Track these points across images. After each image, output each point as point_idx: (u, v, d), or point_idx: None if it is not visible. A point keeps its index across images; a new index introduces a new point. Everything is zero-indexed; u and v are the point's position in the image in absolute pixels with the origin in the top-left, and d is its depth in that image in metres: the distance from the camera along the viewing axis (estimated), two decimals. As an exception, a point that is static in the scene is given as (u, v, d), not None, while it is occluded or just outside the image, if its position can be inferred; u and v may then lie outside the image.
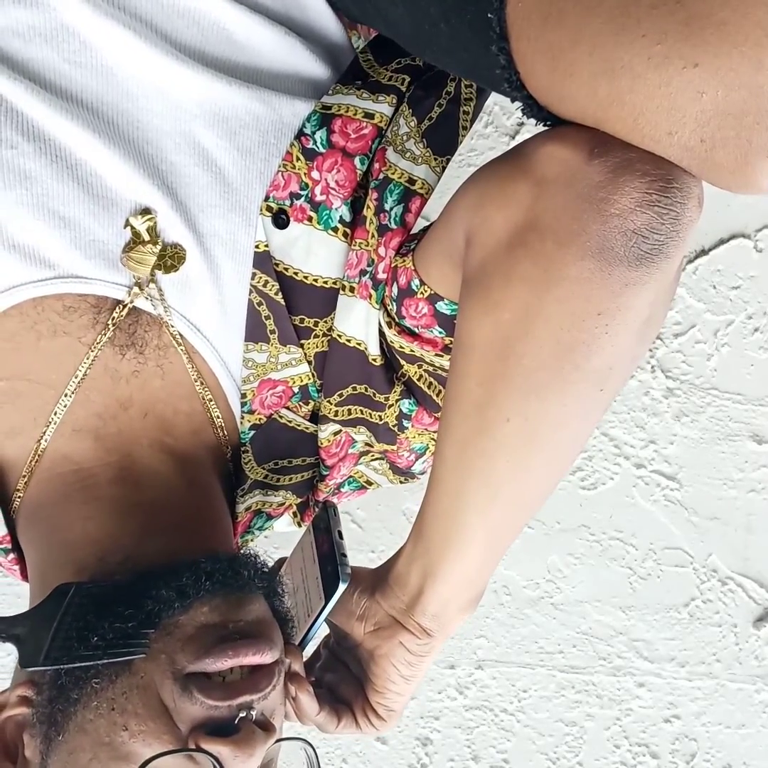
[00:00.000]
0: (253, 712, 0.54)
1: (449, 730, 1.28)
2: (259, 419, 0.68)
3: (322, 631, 0.65)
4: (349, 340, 0.66)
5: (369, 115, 0.63)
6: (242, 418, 0.67)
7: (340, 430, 0.70)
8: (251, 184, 0.63)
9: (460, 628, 1.27)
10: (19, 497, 0.63)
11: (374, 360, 0.66)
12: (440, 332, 0.63)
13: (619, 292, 0.47)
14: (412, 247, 0.62)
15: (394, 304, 0.63)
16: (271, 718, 0.56)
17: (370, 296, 0.64)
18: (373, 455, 0.74)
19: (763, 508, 1.28)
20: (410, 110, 0.63)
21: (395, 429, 0.69)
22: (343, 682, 0.66)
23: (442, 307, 0.61)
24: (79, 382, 0.61)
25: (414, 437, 0.70)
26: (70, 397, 0.61)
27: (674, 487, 1.27)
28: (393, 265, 0.63)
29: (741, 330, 1.24)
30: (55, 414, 0.61)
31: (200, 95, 0.61)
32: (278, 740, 0.57)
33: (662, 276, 0.48)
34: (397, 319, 0.64)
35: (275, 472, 0.71)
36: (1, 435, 0.63)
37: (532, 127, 1.17)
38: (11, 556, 0.66)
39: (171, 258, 0.61)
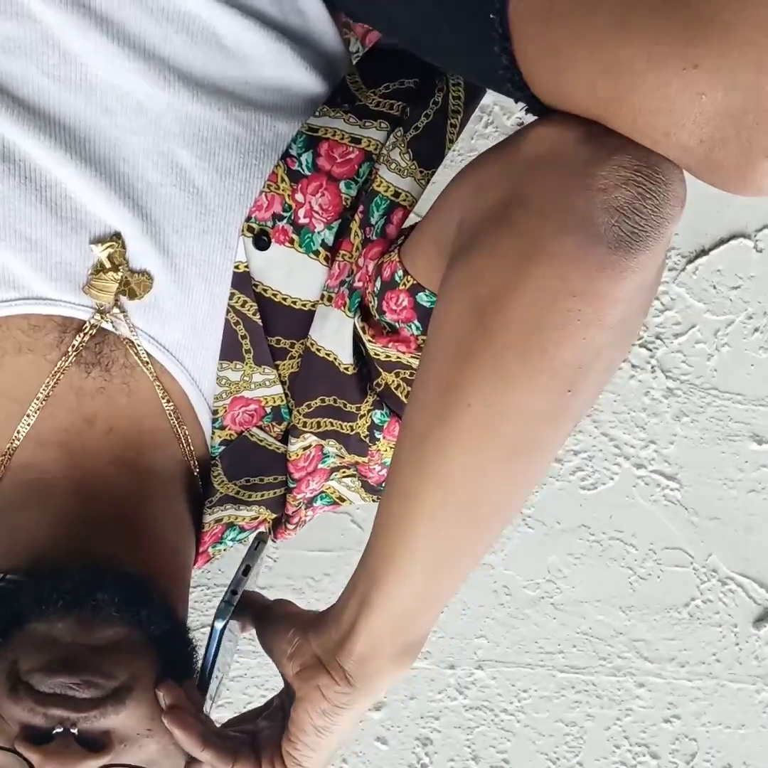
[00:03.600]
0: (75, 730, 0.55)
1: (449, 730, 1.28)
2: (230, 435, 0.67)
3: None
4: (319, 350, 0.65)
5: (356, 140, 0.63)
6: (213, 433, 0.67)
7: (310, 445, 0.69)
8: (230, 205, 0.62)
9: (460, 627, 1.27)
10: None
11: (346, 369, 0.65)
12: (417, 328, 0.61)
13: (595, 276, 0.46)
14: (399, 242, 0.62)
15: (376, 299, 0.62)
16: (114, 741, 0.56)
17: (345, 305, 0.63)
18: (345, 471, 0.73)
19: (763, 508, 1.28)
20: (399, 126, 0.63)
21: (366, 440, 0.68)
22: (269, 729, 0.63)
23: (423, 298, 0.60)
24: (44, 399, 0.61)
25: (385, 451, 0.68)
26: (35, 413, 0.61)
27: (674, 487, 1.27)
28: (378, 262, 0.62)
29: (741, 330, 1.24)
30: (20, 429, 0.61)
31: (181, 114, 0.60)
32: (118, 765, 0.57)
33: (639, 269, 0.46)
34: (377, 316, 0.63)
35: (247, 489, 0.70)
36: None
37: (532, 127, 1.17)
38: None
39: (137, 285, 0.61)
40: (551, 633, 1.28)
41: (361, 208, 0.63)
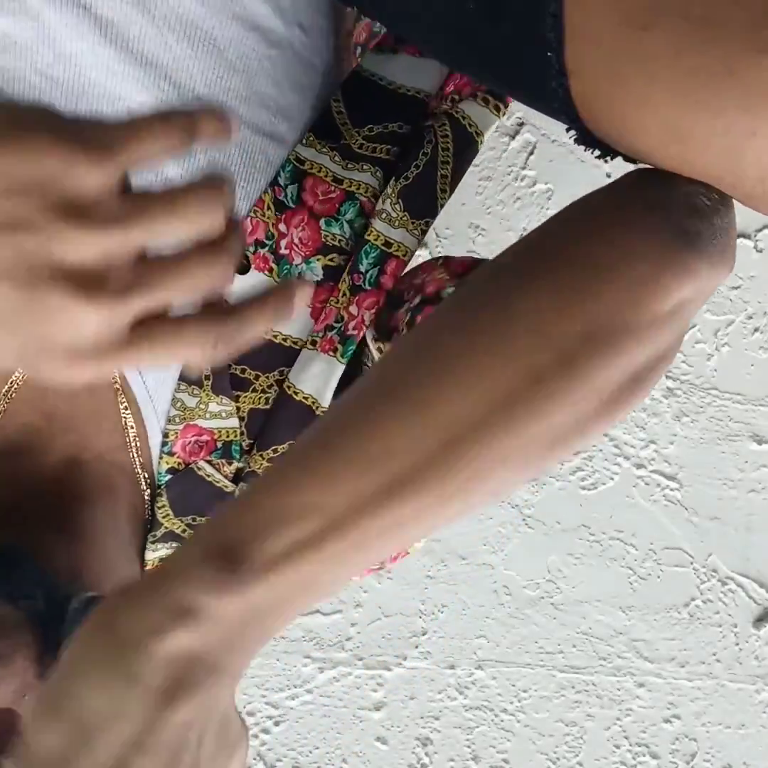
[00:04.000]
0: None
1: (449, 730, 1.28)
2: (178, 464, 0.64)
3: None
4: (296, 394, 0.64)
5: (338, 181, 0.63)
6: (161, 457, 0.64)
7: None
8: None
9: (461, 627, 1.27)
10: None
11: (316, 406, 0.64)
12: None
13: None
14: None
15: (410, 314, 0.62)
16: None
17: (336, 350, 0.63)
18: None
19: (763, 508, 1.28)
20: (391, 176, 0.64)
21: None
22: None
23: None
24: (9, 393, 0.59)
25: None
26: (2, 406, 0.59)
27: (674, 487, 1.27)
28: (428, 278, 0.62)
29: (741, 330, 1.24)
30: None
31: None
32: None
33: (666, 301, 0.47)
34: (406, 330, 0.62)
35: (193, 528, 0.66)
36: None
37: (532, 127, 1.17)
38: None
39: None
40: (551, 633, 1.28)
41: (352, 257, 0.63)
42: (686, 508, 1.27)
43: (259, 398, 0.64)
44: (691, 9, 0.47)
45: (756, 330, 1.24)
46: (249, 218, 0.62)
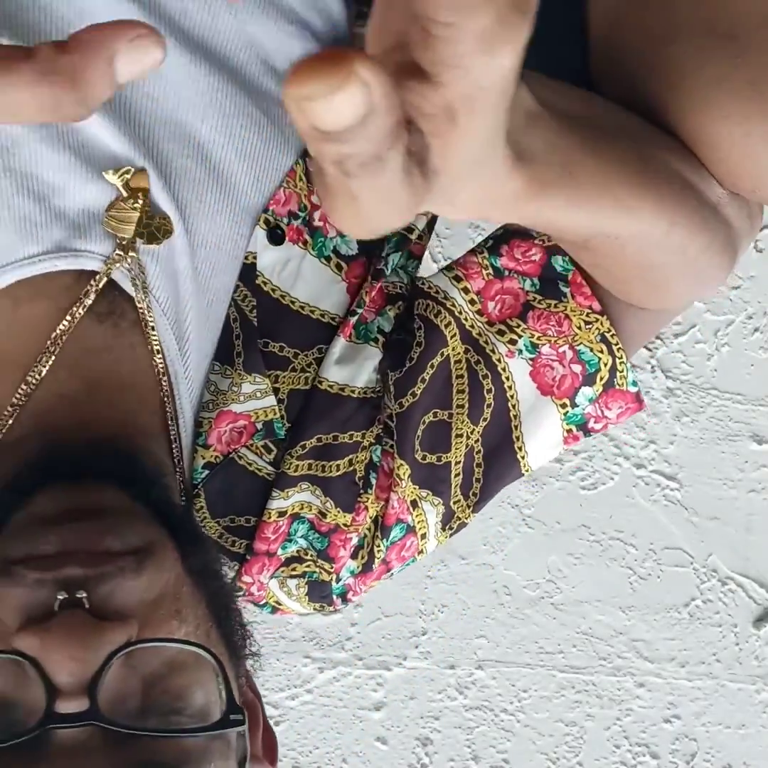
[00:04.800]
0: (82, 594, 0.44)
1: (449, 730, 1.28)
2: (215, 457, 0.60)
3: None
4: (322, 383, 0.61)
5: None
6: (195, 452, 0.59)
7: (287, 512, 0.61)
8: (245, 190, 0.59)
9: (461, 627, 1.27)
10: None
11: (354, 393, 0.61)
12: (532, 285, 0.59)
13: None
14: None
15: (493, 240, 0.61)
16: (126, 610, 0.45)
17: (351, 335, 0.61)
18: (295, 567, 0.63)
19: (763, 508, 1.28)
20: None
21: (360, 484, 0.61)
22: None
23: (558, 261, 0.59)
24: (51, 354, 0.54)
25: (368, 517, 0.61)
26: (39, 375, 0.54)
27: (674, 487, 1.27)
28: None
29: (741, 330, 1.24)
30: (18, 396, 0.54)
31: (202, 86, 0.57)
32: (149, 641, 0.45)
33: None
34: (484, 254, 0.61)
35: (230, 531, 0.61)
36: None
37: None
38: None
39: (156, 229, 0.56)
40: (551, 633, 1.28)
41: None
42: (686, 508, 1.27)
43: (298, 378, 0.61)
44: (716, 25, 0.50)
45: (756, 330, 1.24)
46: (282, 189, 0.60)
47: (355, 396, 0.61)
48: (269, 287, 0.60)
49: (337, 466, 0.61)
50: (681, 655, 1.30)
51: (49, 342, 0.54)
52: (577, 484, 1.25)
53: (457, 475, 0.62)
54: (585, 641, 1.28)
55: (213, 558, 0.55)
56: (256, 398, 0.60)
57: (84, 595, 0.44)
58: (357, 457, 0.61)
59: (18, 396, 0.53)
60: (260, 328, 0.60)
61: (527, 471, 0.62)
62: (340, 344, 0.61)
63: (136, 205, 0.55)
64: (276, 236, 0.60)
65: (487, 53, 0.28)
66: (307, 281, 0.61)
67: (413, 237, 0.63)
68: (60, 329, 0.54)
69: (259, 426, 0.60)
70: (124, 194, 0.56)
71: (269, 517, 0.60)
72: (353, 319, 0.61)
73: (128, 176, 0.56)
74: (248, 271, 0.60)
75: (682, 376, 1.24)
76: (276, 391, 0.60)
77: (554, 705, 1.29)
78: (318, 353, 0.61)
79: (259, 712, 0.57)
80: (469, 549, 1.25)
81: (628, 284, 0.56)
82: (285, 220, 0.61)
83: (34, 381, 0.53)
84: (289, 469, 0.60)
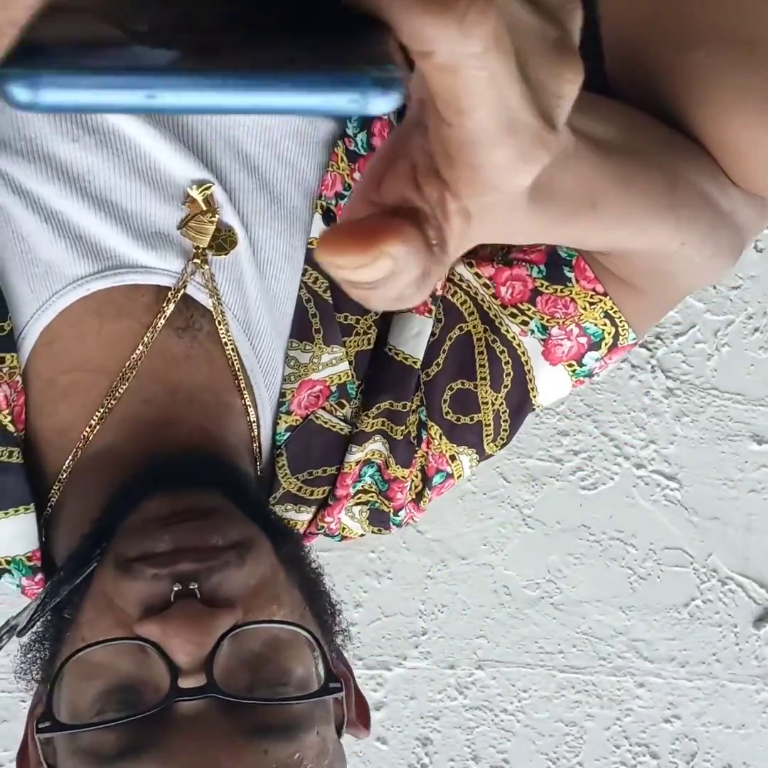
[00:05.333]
0: (194, 585, 0.50)
1: (449, 730, 1.28)
2: (295, 421, 0.67)
3: None
4: (397, 354, 0.67)
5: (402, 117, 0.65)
6: (279, 418, 0.66)
7: (360, 460, 0.69)
8: (289, 193, 0.64)
9: (461, 627, 1.27)
10: (53, 501, 0.62)
11: (414, 363, 0.67)
12: (539, 272, 0.64)
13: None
14: None
15: (507, 250, 0.65)
16: (232, 597, 0.51)
17: (431, 311, 0.66)
18: (359, 497, 0.71)
19: (763, 508, 1.28)
20: None
21: (414, 442, 0.68)
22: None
23: (562, 249, 0.63)
24: (132, 367, 0.60)
25: (420, 458, 0.69)
26: (125, 384, 0.60)
27: (674, 487, 1.27)
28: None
29: (741, 330, 1.24)
30: (105, 404, 0.60)
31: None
32: (253, 623, 0.51)
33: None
34: (501, 255, 0.65)
35: (308, 484, 0.69)
36: (53, 434, 0.61)
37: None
38: (39, 576, 0.64)
39: (223, 240, 0.62)
40: (551, 633, 1.28)
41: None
42: (686, 508, 1.27)
43: (362, 340, 0.67)
44: (735, 30, 0.51)
45: (756, 330, 1.24)
46: (328, 173, 0.64)
47: (415, 367, 0.67)
48: None
49: (401, 430, 0.68)
50: (681, 655, 1.30)
51: (134, 355, 0.60)
52: (577, 484, 1.25)
53: (487, 433, 0.70)
54: (585, 641, 1.28)
55: (301, 548, 0.62)
56: (331, 366, 0.66)
57: (196, 586, 0.50)
58: (410, 419, 0.68)
59: (106, 400, 0.60)
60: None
61: (539, 406, 0.70)
62: (416, 320, 0.66)
63: (213, 218, 0.61)
64: (329, 218, 0.65)
65: (504, 178, 0.28)
66: None
67: None
68: (143, 342, 0.60)
69: (334, 389, 0.67)
70: (204, 208, 0.61)
71: (349, 469, 0.68)
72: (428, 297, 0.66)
73: (209, 192, 0.61)
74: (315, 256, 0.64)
75: (682, 376, 1.24)
76: (346, 354, 0.67)
77: (554, 705, 1.29)
78: (375, 315, 0.67)
79: (350, 682, 0.64)
80: (469, 549, 1.25)
81: (635, 281, 0.60)
82: (334, 202, 0.65)
83: (121, 388, 0.60)
84: (366, 427, 0.67)
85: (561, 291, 0.64)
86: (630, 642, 1.29)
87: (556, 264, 0.64)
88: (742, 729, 1.32)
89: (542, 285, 0.65)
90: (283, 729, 0.50)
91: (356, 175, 0.64)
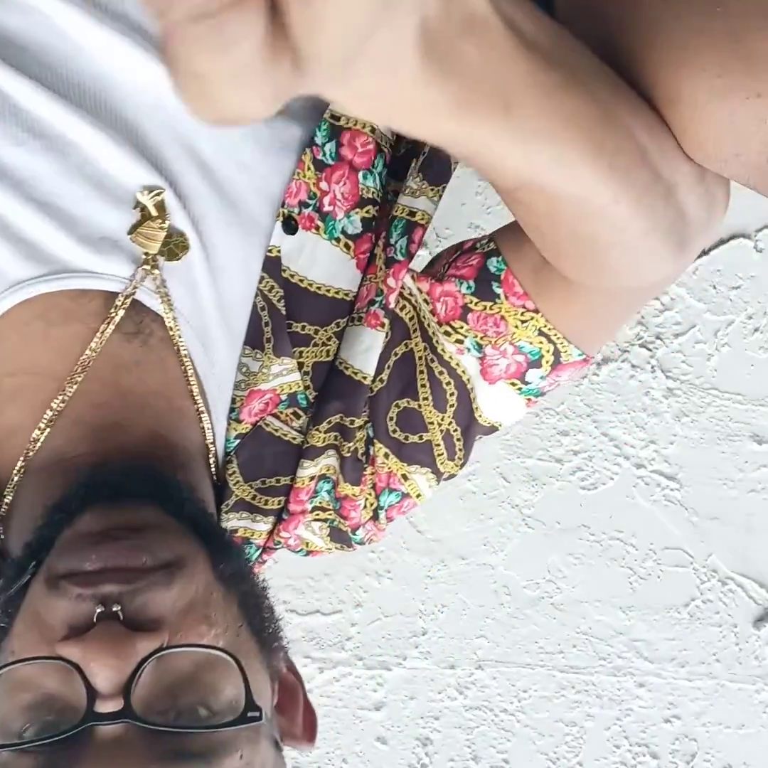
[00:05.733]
0: (117, 607, 0.50)
1: (449, 730, 1.28)
2: (246, 429, 0.66)
3: None
4: (347, 369, 0.66)
5: (373, 129, 0.64)
6: (229, 425, 0.66)
7: (314, 477, 0.68)
8: (247, 199, 0.63)
9: (461, 627, 1.27)
10: (8, 500, 0.61)
11: (364, 378, 0.66)
12: (468, 288, 0.63)
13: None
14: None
15: (448, 267, 0.65)
16: (157, 619, 0.51)
17: (383, 325, 0.65)
18: (318, 514, 0.71)
19: (763, 508, 1.28)
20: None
21: (362, 459, 0.67)
22: None
23: (493, 263, 0.63)
24: (81, 372, 0.60)
25: (370, 475, 0.68)
26: (73, 387, 0.60)
27: (674, 487, 1.27)
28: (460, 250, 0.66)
29: (741, 330, 1.24)
30: (53, 407, 0.60)
31: None
32: (178, 646, 0.50)
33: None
34: (441, 272, 0.65)
35: (262, 493, 0.68)
36: (2, 434, 0.61)
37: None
38: None
39: (175, 246, 0.61)
40: (551, 633, 1.28)
41: (382, 232, 0.65)
42: (686, 508, 1.27)
43: (321, 352, 0.67)
44: None
45: (756, 330, 1.24)
46: (293, 181, 0.64)
47: (365, 382, 0.66)
48: (288, 273, 0.65)
49: (349, 446, 0.67)
50: (681, 655, 1.30)
51: (82, 358, 0.59)
52: (577, 484, 1.25)
53: (439, 453, 0.68)
54: (585, 641, 1.28)
55: (244, 562, 0.61)
56: (281, 376, 0.66)
57: (119, 608, 0.50)
58: (358, 435, 0.67)
59: (55, 403, 0.59)
60: (286, 313, 0.66)
61: (492, 424, 0.69)
62: (367, 333, 0.65)
63: (164, 225, 0.60)
64: (290, 226, 0.64)
65: None
66: (321, 264, 0.66)
67: (417, 219, 0.67)
68: (91, 347, 0.59)
69: (284, 397, 0.66)
70: (154, 214, 0.60)
71: (302, 483, 0.67)
72: (379, 310, 0.65)
73: (160, 198, 0.60)
74: (274, 264, 0.64)
75: (682, 376, 1.24)
76: (301, 365, 0.66)
77: (554, 705, 1.29)
78: (335, 328, 0.67)
79: (299, 693, 0.63)
80: (469, 549, 1.25)
81: (559, 251, 0.56)
82: (296, 210, 0.64)
83: (69, 392, 0.59)
84: (317, 442, 0.66)
85: (490, 308, 0.64)
86: (630, 642, 1.29)
87: (484, 279, 0.63)
88: (742, 729, 1.32)
89: (472, 301, 0.64)
90: (202, 755, 0.50)
91: (323, 185, 0.64)
